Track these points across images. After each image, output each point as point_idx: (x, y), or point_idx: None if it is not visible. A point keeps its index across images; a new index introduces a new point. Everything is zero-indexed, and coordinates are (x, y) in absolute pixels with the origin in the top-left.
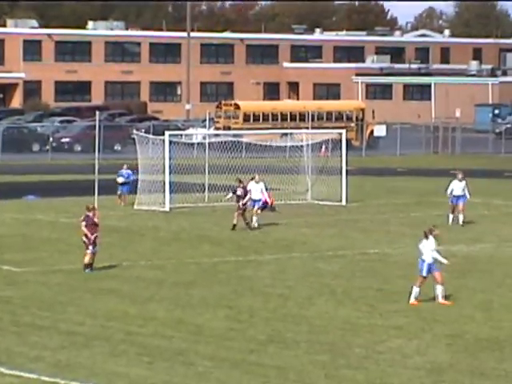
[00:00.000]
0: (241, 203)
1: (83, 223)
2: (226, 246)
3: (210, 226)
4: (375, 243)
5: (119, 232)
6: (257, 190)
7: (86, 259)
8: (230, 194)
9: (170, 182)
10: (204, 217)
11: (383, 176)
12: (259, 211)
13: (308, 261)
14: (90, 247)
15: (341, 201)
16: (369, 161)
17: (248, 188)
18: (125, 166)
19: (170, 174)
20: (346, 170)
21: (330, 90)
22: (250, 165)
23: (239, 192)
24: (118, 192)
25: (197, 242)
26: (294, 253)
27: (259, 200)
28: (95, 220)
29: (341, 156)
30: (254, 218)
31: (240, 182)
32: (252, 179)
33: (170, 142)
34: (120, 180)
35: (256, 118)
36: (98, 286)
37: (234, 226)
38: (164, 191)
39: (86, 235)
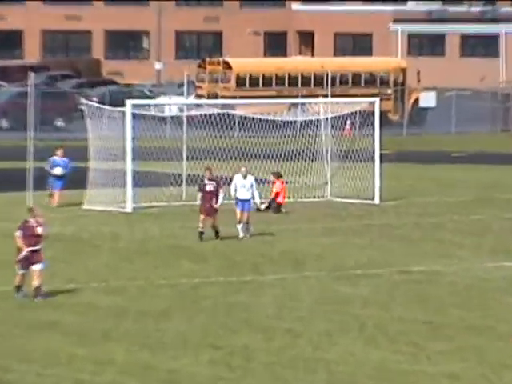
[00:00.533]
0: (214, 204)
1: (18, 233)
2: (211, 262)
3: (188, 234)
4: (421, 257)
5: (63, 241)
6: (244, 186)
7: (17, 280)
8: (200, 195)
9: (133, 172)
10: (180, 220)
11: (432, 163)
12: (246, 218)
13: (327, 282)
14: (19, 267)
15: (373, 198)
16: (412, 142)
17: (233, 183)
18: (60, 151)
19: (133, 160)
20: (381, 155)
21: (357, 43)
22: (246, 148)
23: (209, 187)
24: (49, 187)
25: (171, 256)
26: (306, 271)
27: (247, 201)
28: (37, 230)
29: (373, 135)
30: (239, 227)
31: (209, 171)
32: (243, 172)
33: (134, 116)
34: (58, 171)
35: (254, 83)
36: (34, 318)
37: (201, 234)
38: (125, 185)
39: (18, 249)
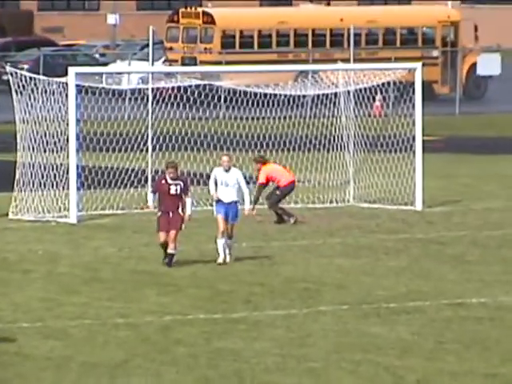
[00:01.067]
0: (181, 213)
1: None
2: (188, 293)
3: (156, 254)
4: (480, 286)
5: None
6: (226, 184)
7: None
8: (151, 199)
9: (78, 168)
10: (144, 235)
11: (495, 154)
12: (230, 229)
13: (349, 320)
14: None
15: (413, 203)
16: (467, 124)
17: (212, 178)
18: None
19: (78, 151)
20: (423, 144)
21: None
22: (235, 133)
23: (173, 190)
24: None
25: (131, 285)
26: (321, 305)
27: (232, 204)
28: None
29: (412, 115)
30: (220, 244)
31: (174, 168)
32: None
33: (79, 90)
34: None
35: (246, 43)
36: None
37: (168, 256)
38: (67, 186)
39: None
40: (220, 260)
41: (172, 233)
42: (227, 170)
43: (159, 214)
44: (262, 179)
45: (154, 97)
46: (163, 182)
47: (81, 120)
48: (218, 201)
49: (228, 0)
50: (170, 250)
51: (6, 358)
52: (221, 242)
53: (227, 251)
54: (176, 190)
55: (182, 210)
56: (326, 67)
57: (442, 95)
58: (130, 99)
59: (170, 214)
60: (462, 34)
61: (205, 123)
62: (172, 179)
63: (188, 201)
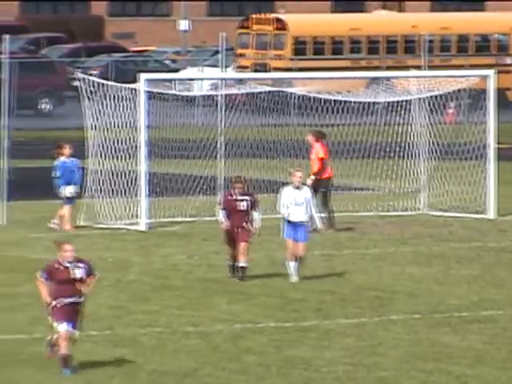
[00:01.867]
0: (250, 227)
1: (41, 278)
2: (258, 302)
3: (226, 261)
4: None
5: None
6: (297, 203)
7: (62, 346)
8: (221, 215)
9: (148, 175)
10: (215, 243)
11: None
12: (301, 251)
13: (421, 329)
14: (60, 324)
15: (486, 212)
16: None
17: (282, 199)
18: (67, 149)
19: (148, 158)
20: (498, 151)
21: None
22: (307, 140)
23: (242, 205)
24: (66, 207)
25: (202, 293)
26: (392, 314)
27: (302, 225)
28: (70, 272)
29: (486, 123)
30: (291, 266)
31: (241, 183)
32: (295, 180)
33: (150, 96)
34: (70, 191)
35: (318, 49)
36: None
37: (235, 267)
38: (137, 193)
39: (47, 303)
40: (293, 280)
41: (242, 245)
42: (298, 187)
43: (226, 228)
44: (323, 153)
45: (225, 103)
46: (230, 197)
47: (151, 126)
48: (288, 221)
49: (301, 1)
50: (241, 264)
51: (75, 365)
52: (291, 264)
53: (294, 273)
54: (244, 205)
55: (250, 224)
56: (398, 74)
57: None
58: (201, 106)
59: (239, 229)
60: None
61: (276, 130)
62: (240, 194)
63: (256, 215)
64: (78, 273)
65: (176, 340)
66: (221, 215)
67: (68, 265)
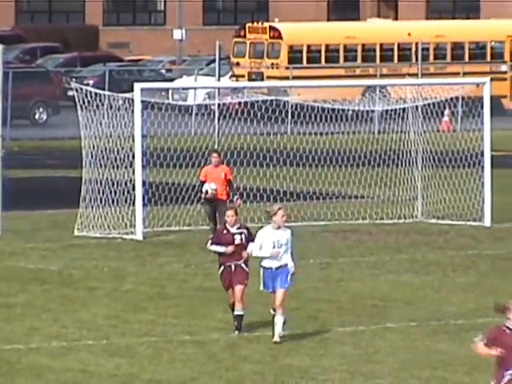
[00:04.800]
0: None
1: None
2: (255, 310)
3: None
4: None
5: (46, 283)
6: (278, 245)
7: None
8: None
9: (144, 184)
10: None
11: None
12: (280, 300)
13: (418, 337)
14: None
15: (481, 219)
16: None
17: (259, 238)
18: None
19: (144, 167)
20: (492, 159)
21: (458, 0)
22: (303, 149)
23: (238, 239)
24: None
25: (198, 303)
26: (390, 322)
27: (282, 270)
28: None
29: (481, 130)
30: (278, 318)
31: (234, 210)
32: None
33: (146, 105)
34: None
35: (313, 58)
36: None
37: (237, 318)
38: (133, 202)
39: None
40: (275, 339)
41: (238, 289)
42: (279, 227)
43: (221, 268)
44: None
45: (221, 112)
46: (225, 232)
47: (147, 136)
48: (265, 268)
49: (295, 13)
50: (237, 312)
51: (70, 375)
52: (278, 315)
53: (279, 328)
54: (241, 238)
55: (246, 262)
56: (393, 82)
57: (511, 110)
58: (196, 115)
59: (233, 267)
60: None
61: (272, 138)
62: (235, 227)
63: (251, 245)
64: None
65: (172, 349)
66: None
67: None
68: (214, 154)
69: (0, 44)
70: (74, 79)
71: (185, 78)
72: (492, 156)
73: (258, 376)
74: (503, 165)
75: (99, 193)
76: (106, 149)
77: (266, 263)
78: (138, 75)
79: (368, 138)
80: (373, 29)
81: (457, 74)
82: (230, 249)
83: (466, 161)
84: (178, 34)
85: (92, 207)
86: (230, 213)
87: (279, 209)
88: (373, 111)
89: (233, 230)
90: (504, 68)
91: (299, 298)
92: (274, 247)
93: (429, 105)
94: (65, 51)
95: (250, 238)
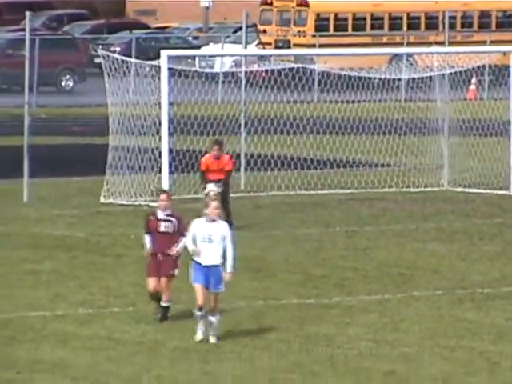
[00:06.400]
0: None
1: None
2: (281, 278)
3: (248, 238)
4: None
5: (72, 250)
6: (209, 240)
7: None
8: (148, 242)
9: (171, 152)
10: (239, 218)
11: None
12: (213, 301)
13: (443, 306)
14: None
15: (508, 188)
16: None
17: (191, 231)
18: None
19: (170, 135)
20: None
21: None
22: (330, 117)
23: (164, 226)
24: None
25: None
26: (415, 290)
27: (215, 269)
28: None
29: (508, 99)
30: (198, 318)
31: (167, 194)
32: None
33: (172, 73)
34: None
35: (340, 26)
36: (32, 357)
37: (161, 310)
38: (160, 170)
39: None
40: (198, 337)
41: (163, 280)
42: (213, 220)
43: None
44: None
45: (247, 80)
46: (152, 217)
47: (173, 103)
48: (197, 263)
49: None
50: (162, 303)
51: (96, 342)
52: (199, 313)
53: (210, 330)
54: (167, 226)
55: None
56: (420, 50)
57: None
58: (223, 82)
59: (160, 256)
60: None
61: (298, 106)
62: (164, 213)
63: (182, 239)
64: None
65: None
66: (146, 241)
67: None
68: (215, 147)
69: (27, 11)
70: (100, 46)
71: (211, 45)
72: None
73: (284, 344)
74: None
75: (126, 160)
76: (132, 116)
77: (195, 257)
78: (165, 42)
79: (394, 106)
80: None
81: (483, 42)
82: (148, 251)
83: (492, 129)
84: (205, 1)
85: (118, 174)
86: (162, 196)
87: (213, 200)
88: (399, 79)
89: (161, 215)
90: None
91: (325, 265)
92: (204, 242)
93: (455, 73)
94: (92, 18)
95: (180, 229)
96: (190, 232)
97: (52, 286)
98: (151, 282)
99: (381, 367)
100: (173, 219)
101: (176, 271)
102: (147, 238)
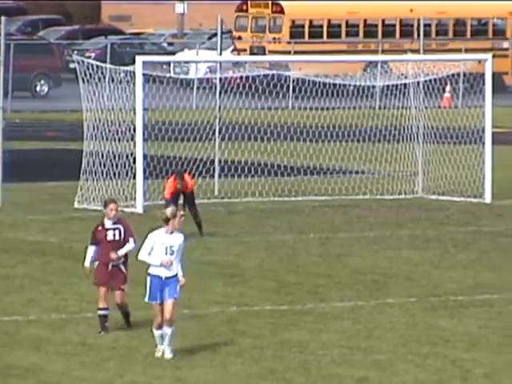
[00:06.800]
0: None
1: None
2: (254, 284)
3: (222, 245)
4: None
5: (45, 255)
6: (170, 251)
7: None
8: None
9: (145, 157)
10: (212, 225)
11: None
12: (170, 314)
13: (417, 313)
14: None
15: (482, 196)
16: None
17: (149, 241)
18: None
19: (145, 140)
20: (493, 135)
21: None
22: (304, 124)
23: (111, 235)
24: None
25: (198, 276)
26: (389, 297)
27: (172, 280)
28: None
29: (483, 107)
30: (157, 335)
31: (114, 203)
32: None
33: (147, 79)
34: None
35: (315, 32)
36: (5, 362)
37: (105, 318)
38: (134, 175)
39: None
40: (159, 353)
41: (118, 294)
42: (172, 232)
43: (97, 263)
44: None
45: (222, 86)
46: (100, 228)
47: (148, 109)
48: (150, 275)
49: None
50: (124, 310)
51: (70, 347)
52: (158, 333)
53: (166, 343)
54: (115, 234)
55: (124, 263)
56: (395, 58)
57: None
58: (197, 88)
59: (109, 266)
60: None
61: (273, 113)
62: (111, 222)
63: (127, 245)
64: None
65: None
66: (88, 254)
67: None
68: (178, 180)
69: (2, 16)
70: (75, 52)
71: (186, 51)
72: (493, 133)
73: (257, 350)
74: (504, 141)
75: (100, 165)
76: (107, 122)
77: (154, 271)
78: (140, 48)
79: (369, 113)
80: (375, 4)
81: (458, 50)
82: (87, 265)
83: (466, 137)
84: (179, 7)
85: (93, 180)
86: (112, 205)
87: (180, 213)
88: (374, 87)
89: (108, 224)
90: (506, 45)
91: (299, 272)
92: (166, 253)
93: (430, 81)
94: (67, 24)
95: (127, 235)
96: (148, 244)
97: (25, 291)
98: (101, 290)
99: (354, 374)
100: (119, 226)
101: (125, 286)
102: (91, 249)
